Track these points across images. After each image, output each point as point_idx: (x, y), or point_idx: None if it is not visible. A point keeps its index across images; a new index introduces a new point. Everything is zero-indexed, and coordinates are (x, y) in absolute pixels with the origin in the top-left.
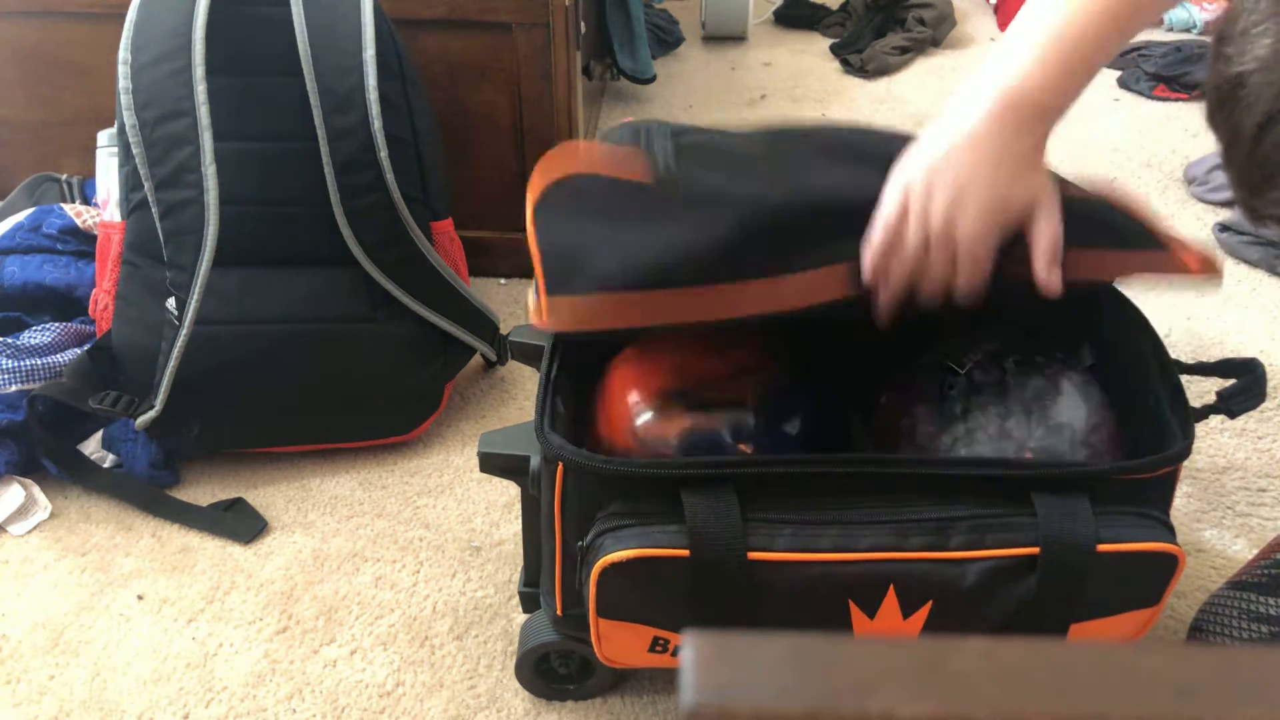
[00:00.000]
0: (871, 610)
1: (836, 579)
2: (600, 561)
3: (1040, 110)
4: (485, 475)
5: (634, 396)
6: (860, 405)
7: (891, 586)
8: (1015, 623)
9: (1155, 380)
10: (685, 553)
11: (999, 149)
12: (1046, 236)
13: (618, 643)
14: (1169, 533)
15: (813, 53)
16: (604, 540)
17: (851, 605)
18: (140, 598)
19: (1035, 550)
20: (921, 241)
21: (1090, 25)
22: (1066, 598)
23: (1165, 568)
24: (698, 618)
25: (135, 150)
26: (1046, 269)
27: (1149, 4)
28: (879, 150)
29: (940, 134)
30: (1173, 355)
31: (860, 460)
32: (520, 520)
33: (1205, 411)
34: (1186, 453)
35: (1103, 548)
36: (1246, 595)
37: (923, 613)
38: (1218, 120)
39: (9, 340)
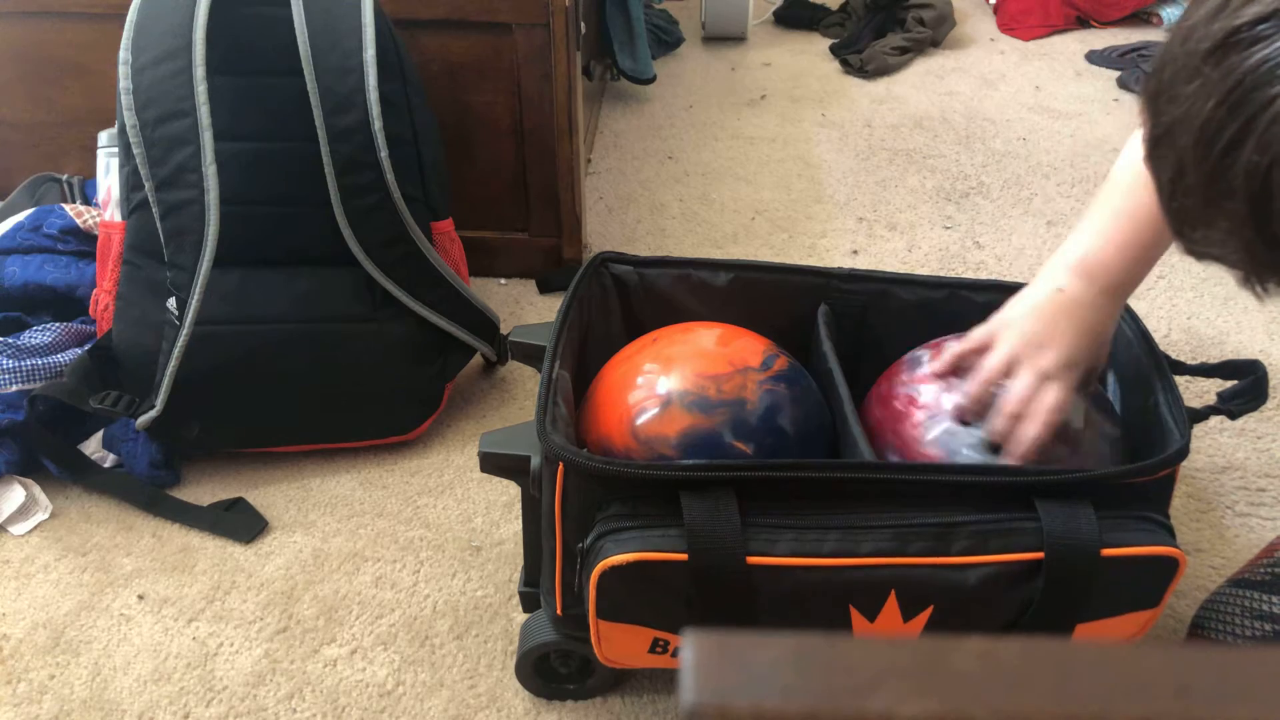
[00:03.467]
0: (872, 614)
1: (837, 583)
2: (600, 564)
3: (1116, 288)
4: (485, 475)
5: (634, 395)
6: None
7: (893, 591)
8: (1018, 627)
9: (1153, 381)
10: (684, 557)
11: (1066, 306)
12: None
13: (618, 644)
14: (1170, 535)
15: (813, 53)
16: (604, 543)
17: (852, 609)
18: (141, 597)
19: (1038, 555)
20: (1023, 386)
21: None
22: (1071, 602)
23: (1166, 570)
24: (697, 621)
25: (136, 150)
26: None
27: None
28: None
29: (1037, 297)
30: (1173, 355)
31: (862, 466)
32: (520, 520)
33: (1206, 412)
34: (1185, 453)
35: (1106, 552)
36: (1248, 593)
37: (923, 617)
38: (1149, 165)
39: (9, 340)
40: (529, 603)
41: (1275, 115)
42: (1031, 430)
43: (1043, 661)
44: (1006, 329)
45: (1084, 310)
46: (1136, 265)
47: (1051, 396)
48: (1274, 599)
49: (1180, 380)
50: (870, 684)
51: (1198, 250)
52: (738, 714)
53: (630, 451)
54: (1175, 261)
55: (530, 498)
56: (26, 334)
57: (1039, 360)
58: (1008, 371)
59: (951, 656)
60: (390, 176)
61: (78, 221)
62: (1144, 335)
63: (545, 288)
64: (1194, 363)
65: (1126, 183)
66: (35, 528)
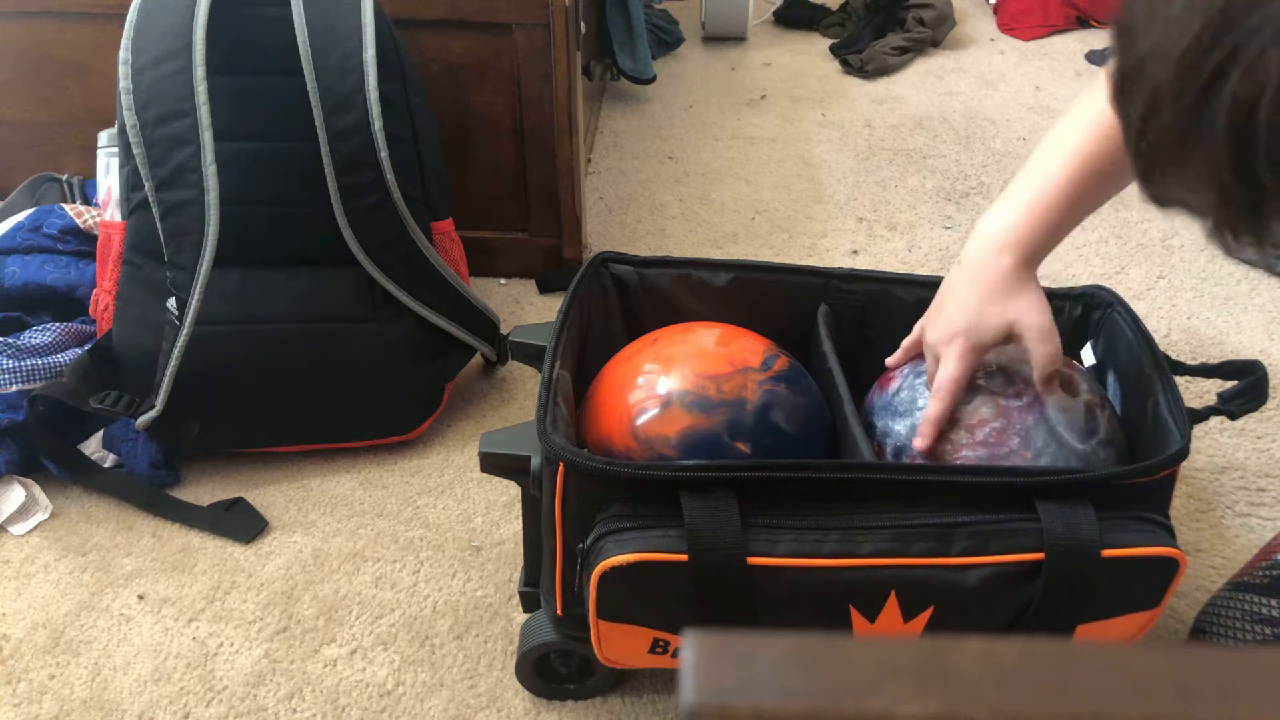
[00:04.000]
0: (872, 615)
1: (837, 584)
2: (600, 565)
3: (1012, 243)
4: (486, 475)
5: (634, 395)
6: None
7: (893, 592)
8: (1020, 628)
9: (1153, 382)
10: (685, 557)
11: (968, 277)
12: (1040, 357)
13: (618, 644)
14: (1170, 536)
15: (813, 53)
16: (604, 544)
17: (852, 610)
18: (141, 597)
19: (1039, 556)
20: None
21: (1063, 182)
22: (1072, 603)
23: (1166, 571)
24: (697, 621)
25: (136, 150)
26: (1042, 384)
27: (1107, 184)
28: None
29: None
30: (1173, 355)
31: (863, 467)
32: (520, 520)
33: (1206, 413)
34: (1185, 454)
35: (1107, 553)
36: (1247, 597)
37: (924, 617)
38: (1116, 105)
39: (9, 340)
40: (529, 603)
41: (1267, 41)
42: (929, 409)
43: (1043, 661)
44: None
45: (981, 270)
46: (1038, 221)
47: (943, 371)
48: (1273, 602)
49: (1180, 380)
50: (870, 684)
51: (1164, 196)
52: (738, 714)
53: (630, 451)
54: (1175, 262)
55: (530, 498)
56: (26, 334)
57: (932, 334)
58: (916, 349)
59: (951, 656)
60: (390, 176)
61: (78, 221)
62: (1144, 335)
63: (545, 288)
64: (1194, 363)
65: (1047, 144)
66: (35, 528)
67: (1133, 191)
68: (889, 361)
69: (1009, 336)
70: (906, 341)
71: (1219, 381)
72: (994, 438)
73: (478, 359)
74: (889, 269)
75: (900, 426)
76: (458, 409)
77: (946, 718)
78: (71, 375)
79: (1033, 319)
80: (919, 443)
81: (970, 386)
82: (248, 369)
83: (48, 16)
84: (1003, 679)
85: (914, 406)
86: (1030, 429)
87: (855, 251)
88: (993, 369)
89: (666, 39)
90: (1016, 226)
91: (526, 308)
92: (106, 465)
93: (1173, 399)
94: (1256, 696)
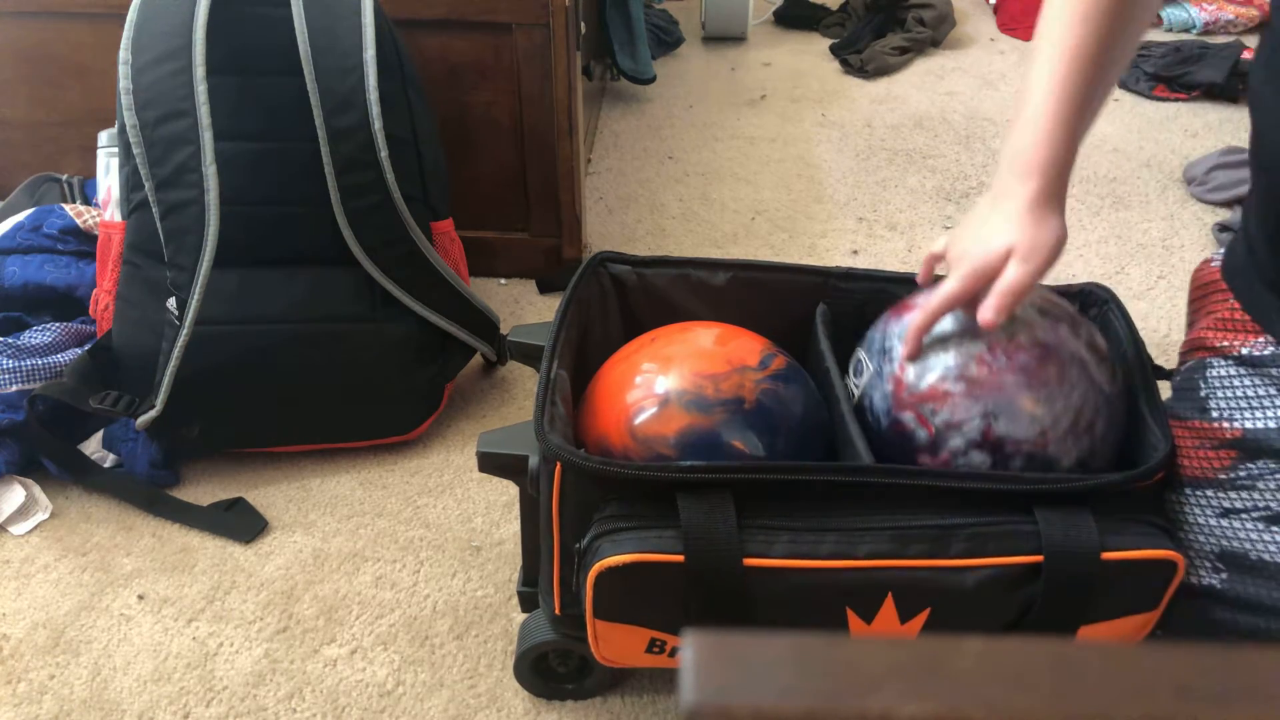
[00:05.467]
0: (869, 616)
1: (834, 585)
2: (597, 565)
3: (1033, 168)
4: (486, 475)
5: (632, 395)
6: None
7: (890, 593)
8: (1019, 629)
9: (1136, 382)
10: (681, 558)
11: (991, 201)
12: (1007, 280)
13: (615, 643)
14: (1168, 538)
15: (813, 53)
16: (601, 544)
17: (849, 611)
18: (141, 597)
19: (1037, 558)
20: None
21: (1064, 89)
22: (1074, 607)
23: (1165, 572)
24: (693, 622)
25: (136, 150)
26: (990, 307)
27: (1104, 75)
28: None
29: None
30: (1173, 355)
31: (860, 469)
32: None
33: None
34: (1174, 455)
35: (1106, 555)
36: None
37: (921, 619)
38: None
39: (9, 340)
40: (527, 602)
41: None
42: (914, 316)
43: (1043, 662)
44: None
45: (1001, 196)
46: (1051, 139)
47: (943, 286)
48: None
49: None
50: (870, 684)
51: None
52: (738, 714)
53: (628, 451)
54: (1175, 262)
55: (528, 497)
56: (26, 334)
57: (948, 251)
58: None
59: (951, 657)
60: (390, 176)
61: (78, 221)
62: (1134, 336)
63: (545, 288)
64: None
65: (1039, 43)
66: (35, 528)
67: (1133, 191)
68: (919, 278)
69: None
70: (929, 254)
71: None
72: (1034, 365)
73: (478, 359)
74: (889, 269)
75: (873, 364)
76: (458, 409)
77: (946, 718)
78: (71, 375)
79: (1025, 242)
80: (903, 349)
81: (1011, 318)
82: (248, 369)
83: (48, 16)
84: (1003, 679)
85: (892, 354)
86: (1066, 365)
87: (855, 251)
88: (1039, 307)
89: (666, 39)
90: (1035, 149)
91: (526, 308)
92: (106, 465)
93: (1150, 399)
94: (1256, 696)
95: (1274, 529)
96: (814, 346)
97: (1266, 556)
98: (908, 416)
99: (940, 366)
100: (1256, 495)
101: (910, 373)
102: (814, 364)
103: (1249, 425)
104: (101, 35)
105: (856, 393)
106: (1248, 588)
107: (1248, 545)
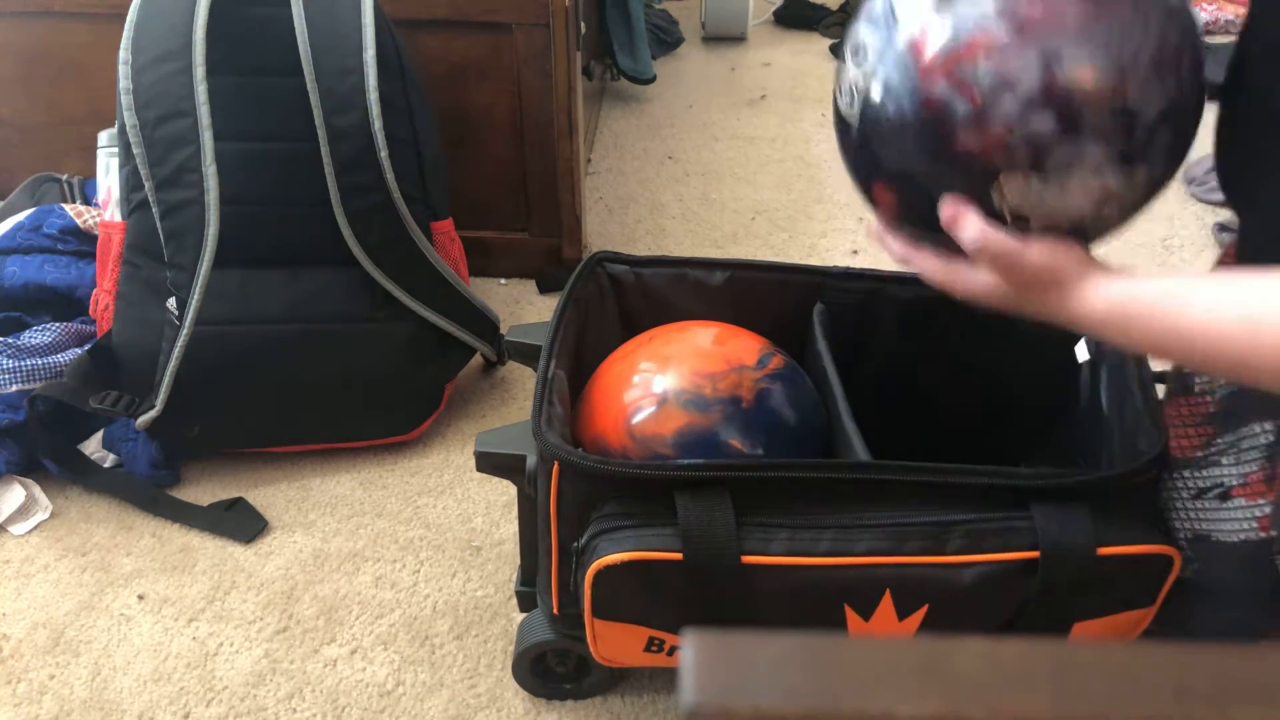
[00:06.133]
0: (867, 613)
1: (832, 583)
2: (595, 564)
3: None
4: (485, 475)
5: (630, 394)
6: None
7: (888, 590)
8: (1016, 625)
9: (1132, 381)
10: (679, 556)
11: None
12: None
13: (613, 642)
14: (1163, 534)
15: (813, 53)
16: (599, 542)
17: (847, 608)
18: (141, 597)
19: (1034, 554)
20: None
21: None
22: (1069, 601)
23: (1161, 568)
24: (692, 620)
25: (136, 150)
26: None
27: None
28: None
29: None
30: None
31: (858, 466)
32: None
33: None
34: (1168, 452)
35: (1102, 550)
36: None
37: (918, 616)
38: None
39: (9, 340)
40: (526, 602)
41: None
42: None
43: (1043, 662)
44: None
45: None
46: (1154, 277)
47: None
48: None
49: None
50: (870, 684)
51: None
52: (738, 714)
53: (626, 450)
54: (1175, 261)
55: (527, 497)
56: (26, 334)
57: None
58: None
59: (951, 657)
60: (390, 176)
61: (78, 221)
62: None
63: (545, 288)
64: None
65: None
66: (35, 528)
67: None
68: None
69: None
70: None
71: None
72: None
73: (478, 359)
74: (889, 269)
75: (879, 36)
76: (458, 409)
77: (946, 718)
78: (71, 375)
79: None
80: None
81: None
82: (247, 369)
83: (48, 16)
84: (1002, 679)
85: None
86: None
87: (855, 251)
88: None
89: (666, 39)
90: (1140, 274)
91: (526, 308)
92: (106, 465)
93: (1145, 396)
94: (1256, 696)
95: (1226, 506)
96: (811, 346)
97: (1220, 537)
98: (940, 87)
99: (975, 8)
100: (1219, 471)
101: (935, 27)
102: (811, 363)
103: (1222, 395)
104: (101, 35)
105: (863, 85)
106: (1212, 572)
107: (1210, 526)
